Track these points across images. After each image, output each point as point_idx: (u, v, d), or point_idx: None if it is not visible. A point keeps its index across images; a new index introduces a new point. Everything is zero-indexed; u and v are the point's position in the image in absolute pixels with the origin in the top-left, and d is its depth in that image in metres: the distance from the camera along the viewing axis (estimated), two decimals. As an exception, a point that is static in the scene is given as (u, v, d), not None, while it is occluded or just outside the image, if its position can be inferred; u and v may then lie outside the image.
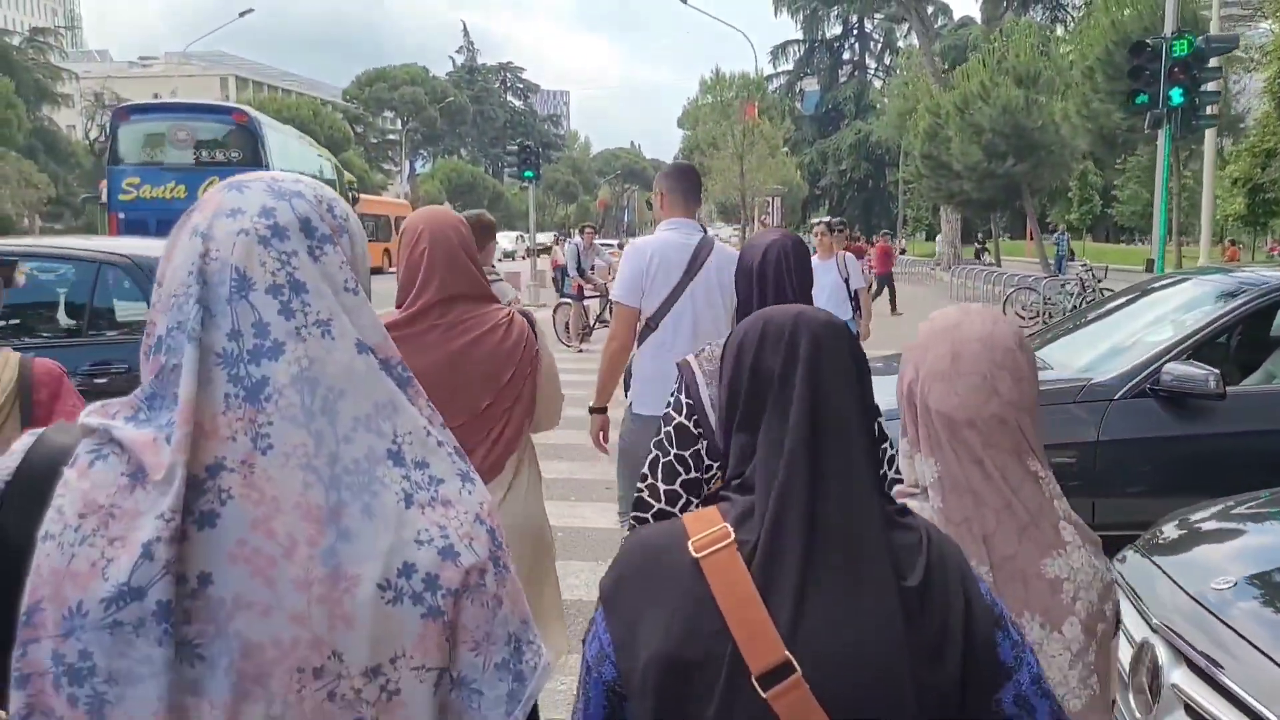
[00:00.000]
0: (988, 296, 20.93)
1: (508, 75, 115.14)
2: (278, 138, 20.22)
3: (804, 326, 1.12)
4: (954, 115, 26.83)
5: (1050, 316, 17.42)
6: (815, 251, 7.33)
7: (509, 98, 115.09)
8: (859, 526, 1.02)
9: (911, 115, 49.96)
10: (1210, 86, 11.76)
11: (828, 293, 6.97)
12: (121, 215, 17.20)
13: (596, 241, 16.73)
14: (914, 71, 47.32)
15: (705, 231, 3.64)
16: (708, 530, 1.04)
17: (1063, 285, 18.17)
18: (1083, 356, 5.12)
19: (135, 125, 18.01)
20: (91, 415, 0.90)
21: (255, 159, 17.80)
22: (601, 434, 3.77)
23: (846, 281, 7.27)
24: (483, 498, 0.96)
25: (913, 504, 1.20)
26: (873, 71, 73.07)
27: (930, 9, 54.16)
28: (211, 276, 0.89)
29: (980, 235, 34.47)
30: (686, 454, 2.17)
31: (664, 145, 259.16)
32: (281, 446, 0.86)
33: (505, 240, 39.24)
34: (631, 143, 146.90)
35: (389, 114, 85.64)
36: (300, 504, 0.85)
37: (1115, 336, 5.35)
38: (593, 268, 16.26)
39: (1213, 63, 11.47)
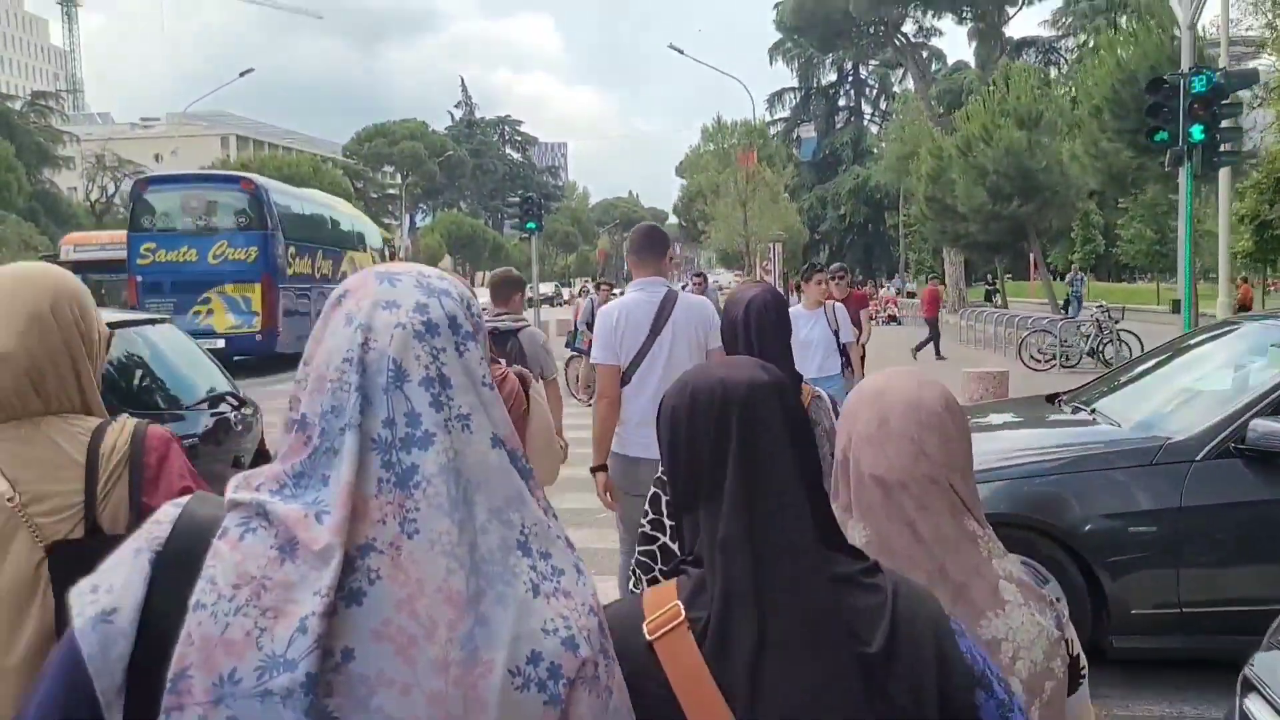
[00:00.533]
0: (1000, 340, 20.61)
1: (506, 128, 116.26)
2: (286, 202, 20.82)
3: (732, 394, 1.12)
4: (957, 158, 26.74)
5: (1066, 359, 17.06)
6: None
7: (508, 150, 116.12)
8: (808, 597, 1.02)
9: (911, 159, 50.43)
10: (1229, 122, 11.53)
11: (816, 345, 6.75)
12: (140, 278, 17.95)
13: (616, 294, 14.75)
14: (911, 116, 47.58)
15: (670, 286, 3.94)
16: (661, 610, 1.06)
17: (1078, 327, 17.84)
18: (1148, 412, 4.73)
19: (153, 194, 19.08)
20: (239, 489, 0.94)
21: (262, 224, 18.62)
22: (607, 492, 3.88)
23: (836, 333, 6.97)
24: (593, 589, 0.99)
25: None
26: (869, 117, 73.64)
27: (925, 54, 54.74)
28: (370, 366, 0.94)
29: (989, 276, 34.23)
30: None
31: (662, 193, 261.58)
32: (427, 533, 0.90)
33: (546, 287, 40.33)
34: (630, 192, 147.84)
35: (388, 169, 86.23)
36: (442, 588, 0.89)
37: (1180, 389, 4.97)
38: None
39: (1232, 98, 11.25)
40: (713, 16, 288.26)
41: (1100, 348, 17.35)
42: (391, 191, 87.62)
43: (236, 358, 16.63)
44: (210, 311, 17.96)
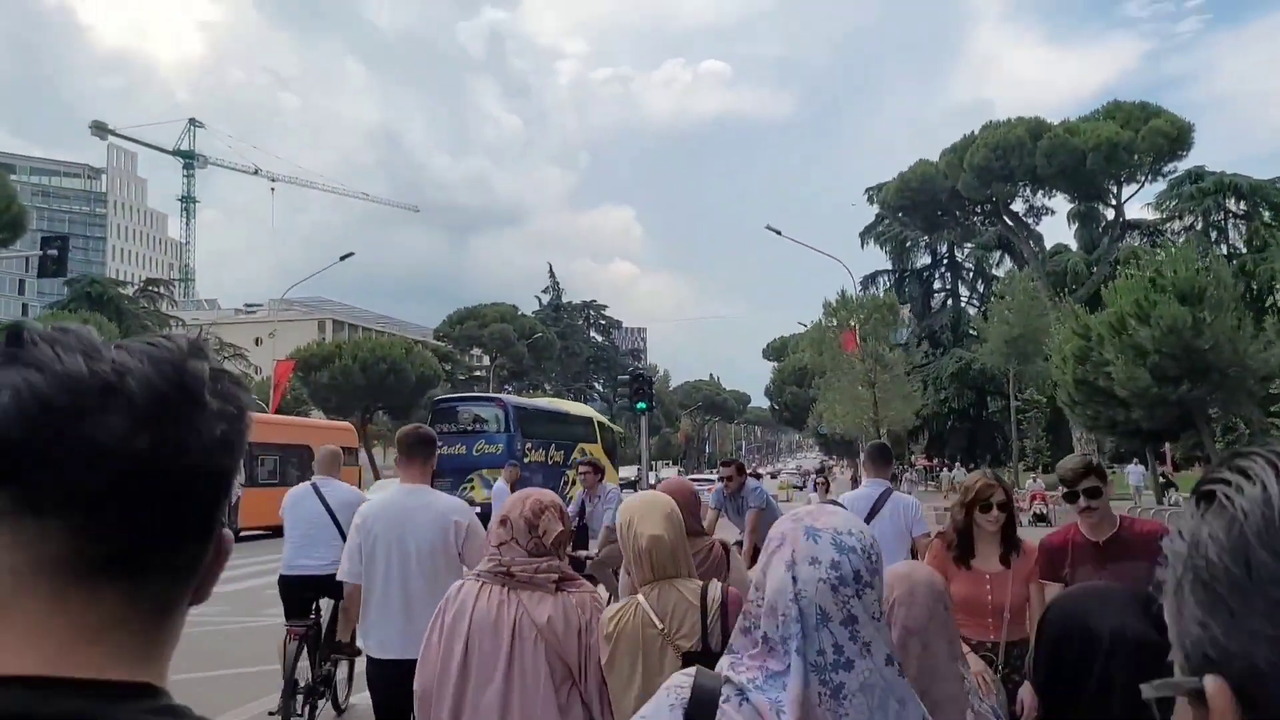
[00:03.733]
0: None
1: (591, 312, 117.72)
2: (525, 410, 28.85)
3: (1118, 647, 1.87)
4: (1109, 337, 24.22)
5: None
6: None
7: (592, 334, 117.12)
8: None
9: (1019, 340, 47.89)
10: None
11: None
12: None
13: (609, 486, 10.03)
14: (1019, 297, 45.46)
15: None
16: None
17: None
18: None
19: (441, 408, 27.38)
20: (732, 669, 1.50)
21: (507, 428, 26.30)
22: None
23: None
24: None
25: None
26: (966, 299, 71.81)
27: (1028, 234, 53.22)
28: (805, 608, 1.45)
29: (1161, 470, 30.92)
30: None
31: (741, 376, 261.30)
32: None
33: (627, 471, 41.95)
34: (710, 374, 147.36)
35: (477, 351, 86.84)
36: None
37: None
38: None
39: None
40: (792, 204, 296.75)
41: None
42: (479, 374, 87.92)
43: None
44: (472, 487, 24.61)
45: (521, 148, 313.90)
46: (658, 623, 2.53)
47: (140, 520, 0.67)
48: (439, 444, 23.48)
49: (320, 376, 49.96)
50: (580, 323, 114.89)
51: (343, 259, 44.22)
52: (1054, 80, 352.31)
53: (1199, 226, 54.13)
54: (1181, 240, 47.47)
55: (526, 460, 25.01)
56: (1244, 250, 50.73)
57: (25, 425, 0.64)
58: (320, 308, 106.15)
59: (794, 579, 1.44)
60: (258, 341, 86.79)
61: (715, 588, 2.63)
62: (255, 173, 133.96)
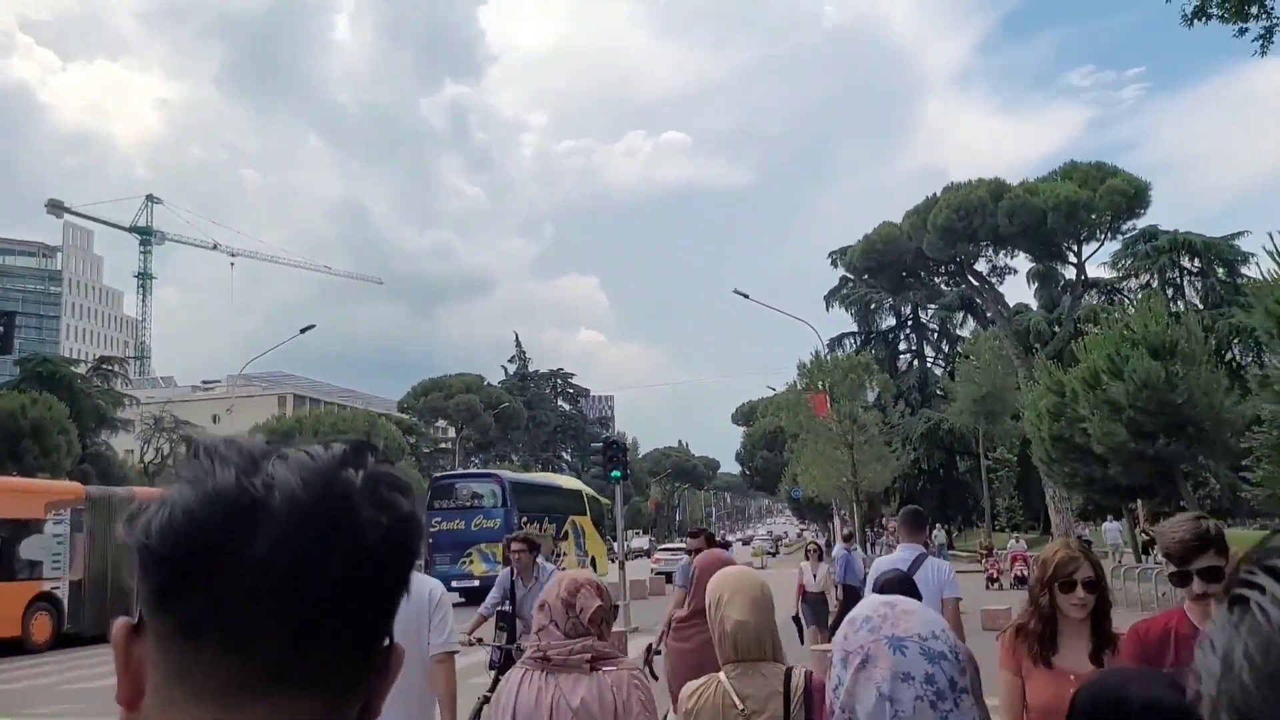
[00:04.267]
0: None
1: (558, 381, 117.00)
2: (521, 485, 31.13)
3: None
4: (1084, 392, 24.05)
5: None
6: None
7: (560, 403, 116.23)
8: None
9: (987, 399, 47.92)
10: None
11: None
12: (431, 540, 26.10)
13: (548, 567, 7.61)
14: (987, 357, 45.59)
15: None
16: None
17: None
18: None
19: (440, 485, 29.43)
20: None
21: (504, 503, 27.92)
22: None
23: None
24: None
25: None
26: (932, 360, 72.22)
27: (989, 293, 53.60)
28: None
29: (1141, 528, 30.57)
30: None
31: (710, 442, 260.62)
32: None
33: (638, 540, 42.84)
34: (679, 441, 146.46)
35: (443, 423, 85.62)
36: None
37: None
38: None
39: None
40: (756, 270, 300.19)
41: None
42: (444, 446, 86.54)
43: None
44: (471, 561, 26.14)
45: (486, 219, 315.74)
46: (739, 703, 2.57)
47: (290, 638, 0.65)
48: (438, 520, 26.82)
49: (280, 453, 48.62)
50: (548, 392, 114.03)
51: (303, 331, 43.54)
52: (1004, 148, 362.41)
53: (1155, 284, 54.97)
54: (1140, 298, 48.04)
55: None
56: (1200, 307, 51.47)
57: (175, 543, 0.65)
58: (281, 383, 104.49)
59: (890, 701, 1.36)
60: (215, 419, 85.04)
61: (799, 674, 2.67)
62: (214, 248, 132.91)
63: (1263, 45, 18.12)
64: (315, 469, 0.67)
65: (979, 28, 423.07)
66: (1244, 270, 57.56)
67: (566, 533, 32.16)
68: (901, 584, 4.06)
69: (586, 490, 36.55)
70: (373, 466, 0.69)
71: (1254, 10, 18.44)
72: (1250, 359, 43.40)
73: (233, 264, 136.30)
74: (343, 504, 0.67)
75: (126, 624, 0.66)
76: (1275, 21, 18.07)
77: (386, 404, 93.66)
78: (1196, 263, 57.61)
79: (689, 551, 7.38)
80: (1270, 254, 18.66)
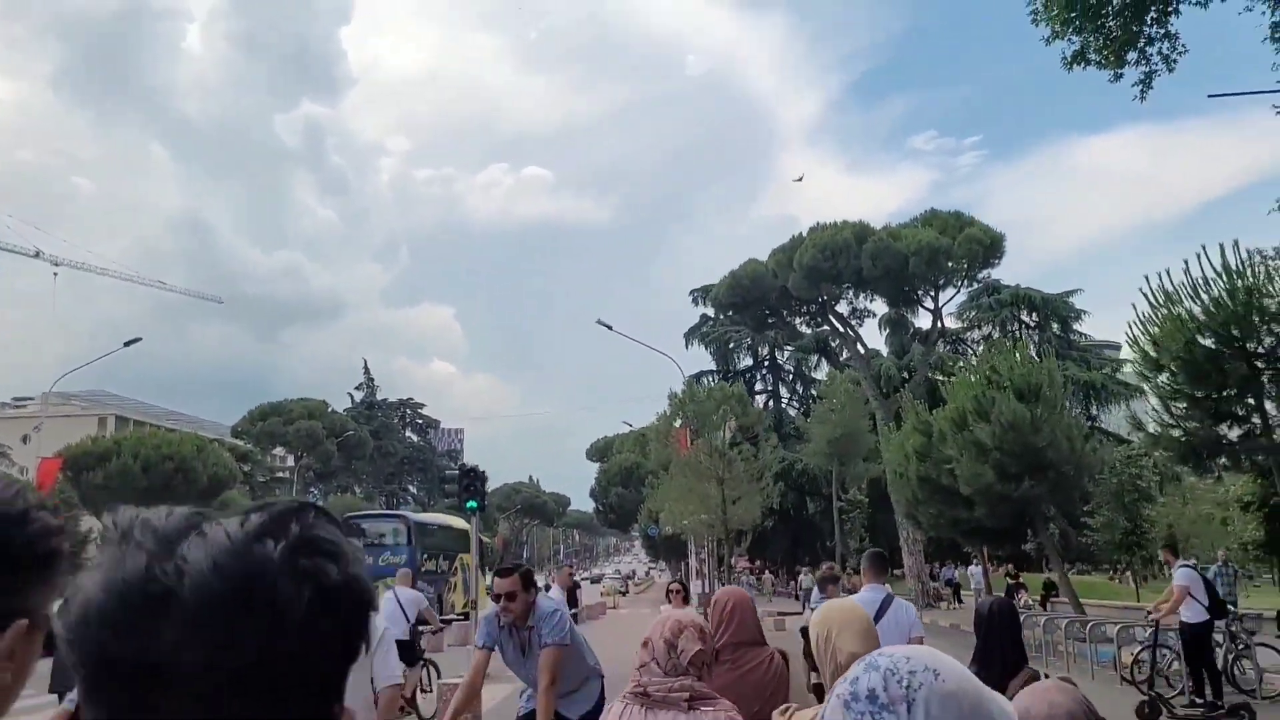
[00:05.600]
0: (1080, 652, 16.60)
1: (408, 410, 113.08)
2: (424, 526, 32.49)
3: None
4: (952, 434, 23.91)
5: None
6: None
7: (408, 434, 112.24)
8: None
9: (842, 440, 48.37)
10: None
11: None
12: None
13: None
14: (842, 398, 46.01)
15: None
16: None
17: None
18: None
19: (347, 523, 27.11)
20: None
21: (409, 542, 29.93)
22: None
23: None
24: None
25: None
26: (786, 401, 73.07)
27: (836, 341, 54.55)
28: None
29: (1009, 567, 30.76)
30: None
31: (559, 478, 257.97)
32: None
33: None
34: (530, 477, 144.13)
35: (280, 451, 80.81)
36: None
37: None
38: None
39: None
40: (614, 309, 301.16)
41: (1230, 666, 13.54)
42: (282, 475, 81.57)
43: None
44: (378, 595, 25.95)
45: (339, 243, 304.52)
46: None
47: None
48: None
49: (94, 476, 44.18)
50: (396, 421, 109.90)
51: (128, 344, 40.09)
52: (854, 205, 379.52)
53: (996, 335, 57.28)
54: (982, 349, 49.60)
55: (422, 570, 28.35)
56: (1037, 360, 53.96)
57: (89, 642, 0.63)
58: (103, 402, 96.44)
59: None
60: (25, 439, 77.56)
61: None
62: (36, 255, 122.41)
63: (1142, 91, 18.36)
64: (229, 549, 0.64)
65: (831, 88, 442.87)
66: (1076, 326, 61.21)
67: (457, 569, 33.97)
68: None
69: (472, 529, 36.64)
70: (296, 535, 0.66)
71: (1131, 57, 18.70)
72: (1078, 411, 45.50)
73: (55, 274, 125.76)
74: (256, 583, 0.63)
75: (65, 712, 0.65)
76: (1153, 69, 18.36)
77: (219, 429, 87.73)
78: (1035, 317, 60.56)
79: (500, 598, 5.20)
80: (1144, 296, 18.78)
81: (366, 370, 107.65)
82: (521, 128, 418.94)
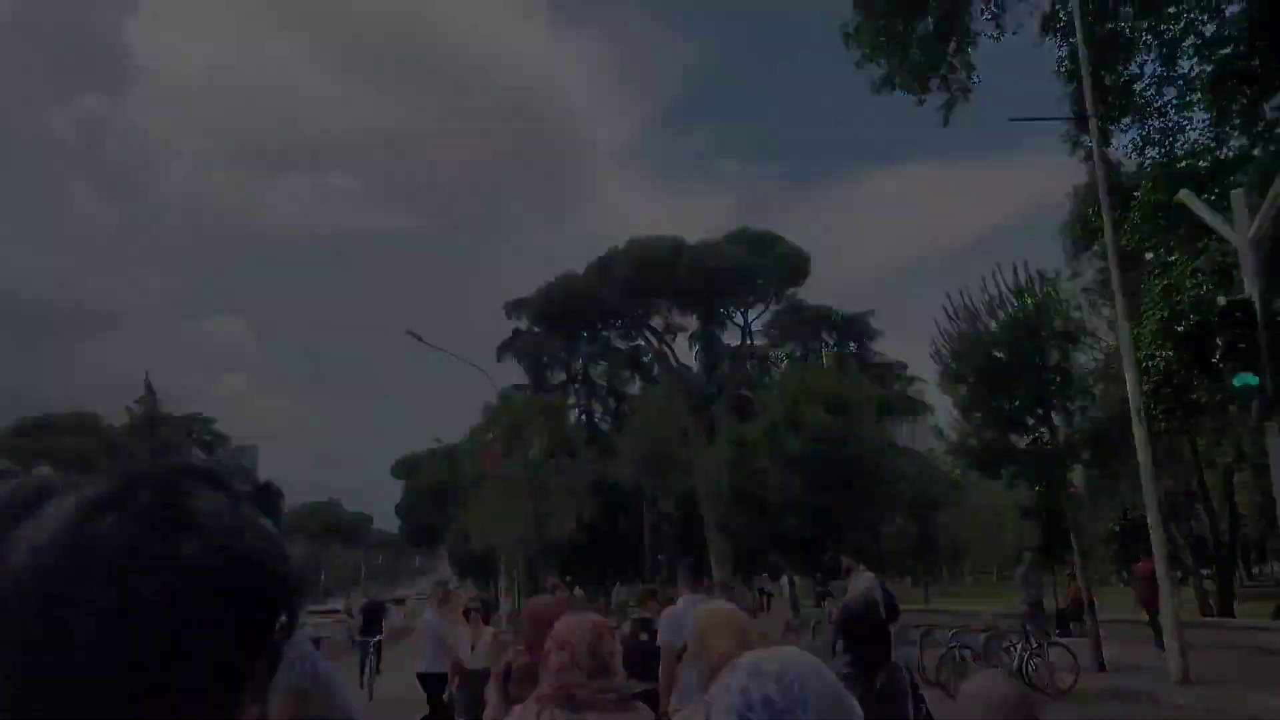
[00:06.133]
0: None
1: (195, 427, 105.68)
2: None
3: None
4: (764, 444, 24.33)
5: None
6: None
7: (195, 451, 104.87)
8: None
9: (655, 457, 48.75)
10: None
11: None
12: None
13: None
14: (654, 414, 46.38)
15: None
16: None
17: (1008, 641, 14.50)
18: None
19: None
20: None
21: None
22: None
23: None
24: None
25: None
26: (599, 416, 73.06)
27: (649, 357, 55.05)
28: None
29: (818, 577, 31.43)
30: None
31: (366, 498, 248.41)
32: None
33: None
34: (329, 497, 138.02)
35: (46, 470, 73.41)
36: None
37: None
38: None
39: None
40: (426, 323, 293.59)
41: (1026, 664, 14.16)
42: (47, 496, 74.15)
43: None
44: None
45: (118, 247, 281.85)
46: None
47: None
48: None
49: None
50: (182, 438, 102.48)
51: None
52: (664, 226, 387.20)
53: (798, 354, 59.62)
54: (786, 366, 51.32)
55: None
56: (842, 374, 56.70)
57: None
58: None
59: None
60: None
61: None
62: None
63: (945, 115, 19.24)
64: (53, 532, 0.55)
65: (643, 112, 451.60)
66: (871, 345, 64.68)
67: None
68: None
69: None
70: (144, 505, 0.57)
71: (934, 84, 19.58)
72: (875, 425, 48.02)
73: None
74: (81, 573, 0.54)
75: None
76: (954, 96, 19.28)
77: (-27, 445, 78.74)
78: (835, 335, 63.52)
79: None
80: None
81: (148, 383, 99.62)
82: (327, 133, 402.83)
